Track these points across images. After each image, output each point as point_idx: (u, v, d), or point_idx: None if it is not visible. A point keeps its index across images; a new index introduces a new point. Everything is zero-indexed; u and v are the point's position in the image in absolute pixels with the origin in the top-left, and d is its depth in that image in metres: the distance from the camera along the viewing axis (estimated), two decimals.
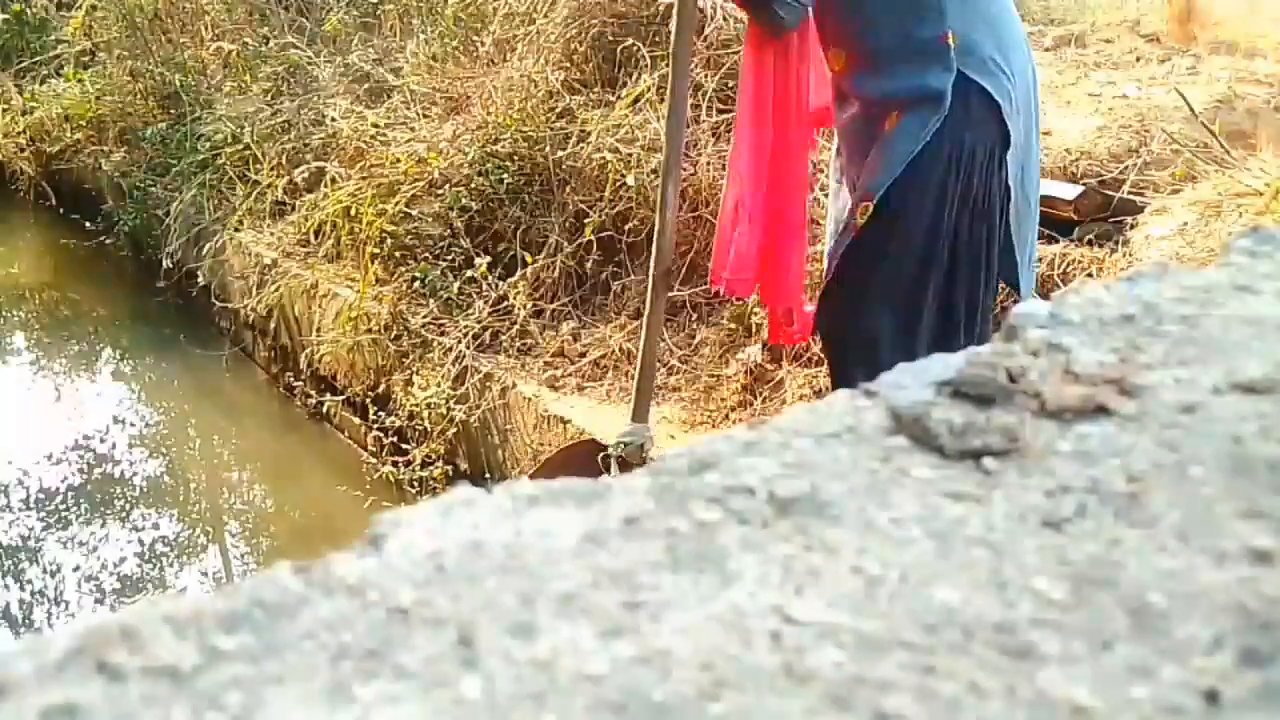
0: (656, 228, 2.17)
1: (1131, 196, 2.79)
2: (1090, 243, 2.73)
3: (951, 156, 1.86)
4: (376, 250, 3.58)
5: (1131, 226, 2.73)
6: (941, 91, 1.82)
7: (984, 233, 1.91)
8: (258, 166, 4.30)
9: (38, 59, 5.91)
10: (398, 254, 3.56)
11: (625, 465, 2.14)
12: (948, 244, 1.90)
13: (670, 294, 3.14)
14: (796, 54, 2.02)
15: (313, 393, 3.78)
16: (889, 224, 1.89)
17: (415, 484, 3.26)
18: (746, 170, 2.06)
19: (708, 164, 3.21)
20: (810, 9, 1.92)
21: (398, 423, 3.35)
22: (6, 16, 6.12)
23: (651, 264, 2.19)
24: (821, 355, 2.64)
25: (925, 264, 1.90)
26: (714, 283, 2.26)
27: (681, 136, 2.22)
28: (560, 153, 3.45)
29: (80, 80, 5.55)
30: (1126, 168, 2.86)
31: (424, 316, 3.41)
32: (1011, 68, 1.87)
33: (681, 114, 2.18)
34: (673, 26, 2.10)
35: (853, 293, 1.95)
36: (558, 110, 3.58)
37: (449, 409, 3.18)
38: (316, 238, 3.97)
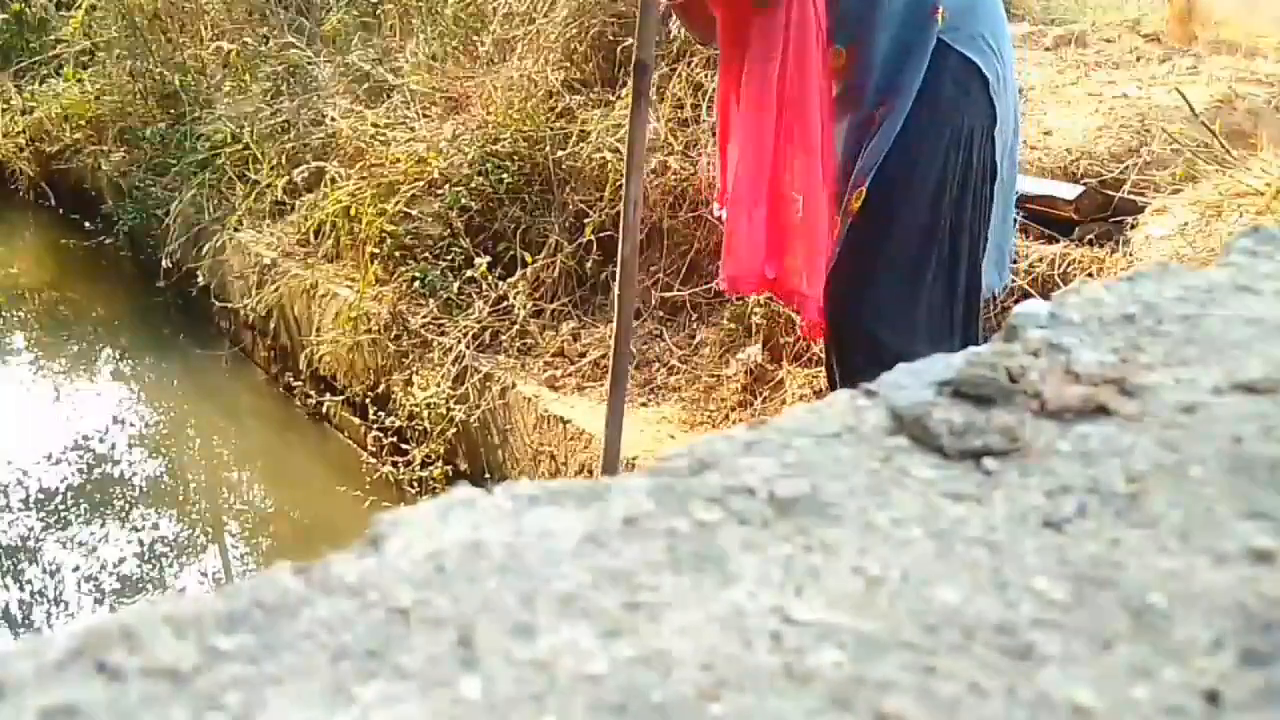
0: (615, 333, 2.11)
1: (1132, 196, 2.79)
2: (1090, 243, 2.73)
3: (951, 137, 1.87)
4: (376, 250, 3.58)
5: (1132, 226, 2.73)
6: (914, 82, 1.84)
7: (980, 210, 1.92)
8: (257, 166, 4.30)
9: (37, 59, 5.91)
10: (397, 254, 3.56)
11: None
12: (949, 222, 1.90)
13: (669, 294, 3.14)
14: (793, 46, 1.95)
15: (312, 393, 3.78)
16: (889, 206, 1.89)
17: (415, 484, 3.26)
18: (745, 168, 2.03)
19: (709, 164, 3.21)
20: None
21: (397, 423, 3.35)
22: (6, 16, 6.12)
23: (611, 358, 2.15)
24: (822, 355, 2.64)
25: (927, 242, 1.90)
26: (723, 285, 2.23)
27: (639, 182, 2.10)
28: (560, 152, 3.46)
29: (80, 80, 5.55)
30: (1127, 167, 2.86)
31: (424, 316, 3.41)
32: (999, 46, 1.88)
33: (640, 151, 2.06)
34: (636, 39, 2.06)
35: (855, 275, 1.95)
36: (558, 110, 3.58)
37: (449, 409, 3.18)
38: (316, 238, 3.97)
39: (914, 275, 1.91)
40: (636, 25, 2.04)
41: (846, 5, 1.91)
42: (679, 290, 3.12)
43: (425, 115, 4.00)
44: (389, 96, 4.23)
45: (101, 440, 3.94)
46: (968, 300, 1.95)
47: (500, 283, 3.35)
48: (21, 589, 3.13)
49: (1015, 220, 2.21)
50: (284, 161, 4.21)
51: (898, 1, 1.86)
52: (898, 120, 1.86)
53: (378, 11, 4.77)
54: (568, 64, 3.68)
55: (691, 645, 0.32)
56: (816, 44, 1.92)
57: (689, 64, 3.39)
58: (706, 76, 3.35)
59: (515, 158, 3.55)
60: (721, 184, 2.14)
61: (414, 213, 3.60)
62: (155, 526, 3.46)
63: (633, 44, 3.57)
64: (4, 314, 5.12)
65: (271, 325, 4.11)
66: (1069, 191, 2.80)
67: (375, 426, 3.44)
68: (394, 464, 3.30)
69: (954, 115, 1.86)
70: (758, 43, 1.94)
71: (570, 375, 3.10)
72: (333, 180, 3.91)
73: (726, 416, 2.80)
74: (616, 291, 2.15)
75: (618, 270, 2.11)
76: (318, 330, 3.75)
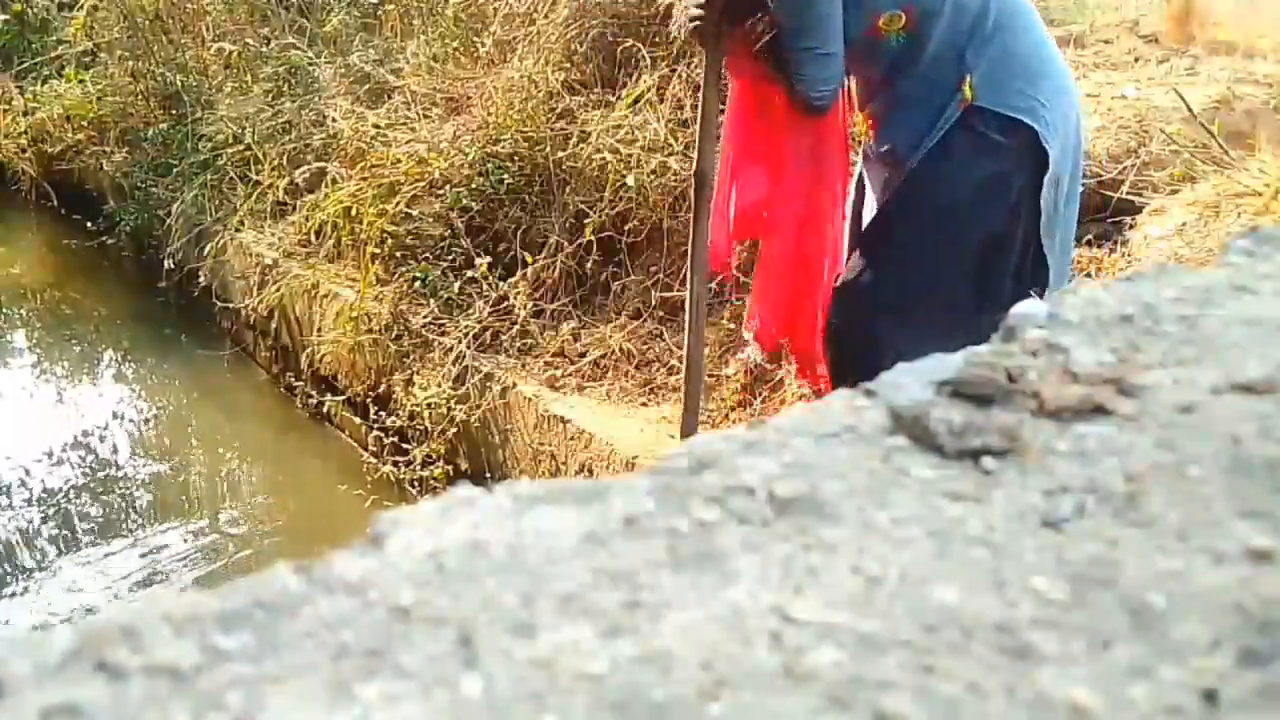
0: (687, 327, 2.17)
1: (1130, 197, 2.79)
2: (1089, 243, 2.73)
3: (987, 185, 1.87)
4: (377, 250, 3.59)
5: (1130, 227, 2.73)
6: (930, 143, 1.87)
7: (1023, 256, 1.92)
8: (259, 167, 4.30)
9: (39, 59, 5.91)
10: (398, 254, 3.56)
11: None
12: (967, 270, 1.90)
13: (669, 294, 3.14)
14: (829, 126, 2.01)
15: (313, 393, 3.78)
16: (903, 257, 1.91)
17: (416, 484, 3.26)
18: (779, 225, 2.08)
19: (708, 165, 3.21)
20: (844, 85, 1.95)
21: (398, 422, 3.35)
22: (7, 17, 6.13)
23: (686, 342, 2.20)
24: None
25: (935, 287, 1.90)
26: (748, 328, 2.31)
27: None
28: (560, 153, 3.46)
29: (81, 81, 5.55)
30: (1125, 168, 2.86)
31: (424, 316, 3.41)
32: (1043, 94, 1.87)
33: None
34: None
35: (863, 315, 1.96)
36: (558, 111, 3.58)
37: (449, 409, 3.18)
38: (317, 238, 3.97)
39: (917, 320, 1.91)
40: (697, 136, 2.11)
41: (877, 75, 1.94)
42: (678, 290, 3.12)
43: (426, 116, 4.00)
44: (389, 97, 4.23)
45: (103, 440, 3.94)
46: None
47: (500, 283, 3.36)
48: (22, 587, 3.13)
49: None
50: (285, 162, 4.21)
51: (924, 75, 1.87)
52: (913, 177, 1.89)
53: (378, 12, 4.77)
54: (568, 65, 3.68)
55: (691, 644, 0.32)
56: (844, 123, 2.02)
57: (689, 65, 3.39)
58: None
59: (516, 158, 3.55)
60: (721, 248, 2.17)
61: (414, 213, 3.60)
62: (156, 525, 3.46)
63: (632, 45, 3.57)
64: (6, 314, 5.12)
65: (273, 325, 4.11)
66: None
67: (376, 426, 3.44)
68: (395, 464, 3.31)
69: (989, 164, 1.86)
70: (804, 136, 2.01)
71: (570, 375, 3.10)
72: (334, 181, 3.91)
73: (726, 416, 2.80)
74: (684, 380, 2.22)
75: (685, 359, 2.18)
76: (319, 330, 3.75)
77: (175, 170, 4.72)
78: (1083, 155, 2.03)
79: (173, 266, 4.46)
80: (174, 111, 5.01)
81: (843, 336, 2.02)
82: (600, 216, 3.28)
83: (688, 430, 2.22)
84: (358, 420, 3.65)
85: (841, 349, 2.04)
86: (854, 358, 1.95)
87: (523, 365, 3.19)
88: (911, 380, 0.43)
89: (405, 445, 3.33)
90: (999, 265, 1.91)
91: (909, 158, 1.90)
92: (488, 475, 3.15)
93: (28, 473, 3.67)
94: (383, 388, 3.47)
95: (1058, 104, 1.89)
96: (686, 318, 2.15)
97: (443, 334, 3.34)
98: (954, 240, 1.89)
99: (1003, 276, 1.91)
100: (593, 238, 3.27)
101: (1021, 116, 1.84)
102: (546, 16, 3.78)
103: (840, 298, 2.00)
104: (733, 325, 2.99)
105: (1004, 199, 1.88)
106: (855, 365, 1.93)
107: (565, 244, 3.36)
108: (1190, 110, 2.91)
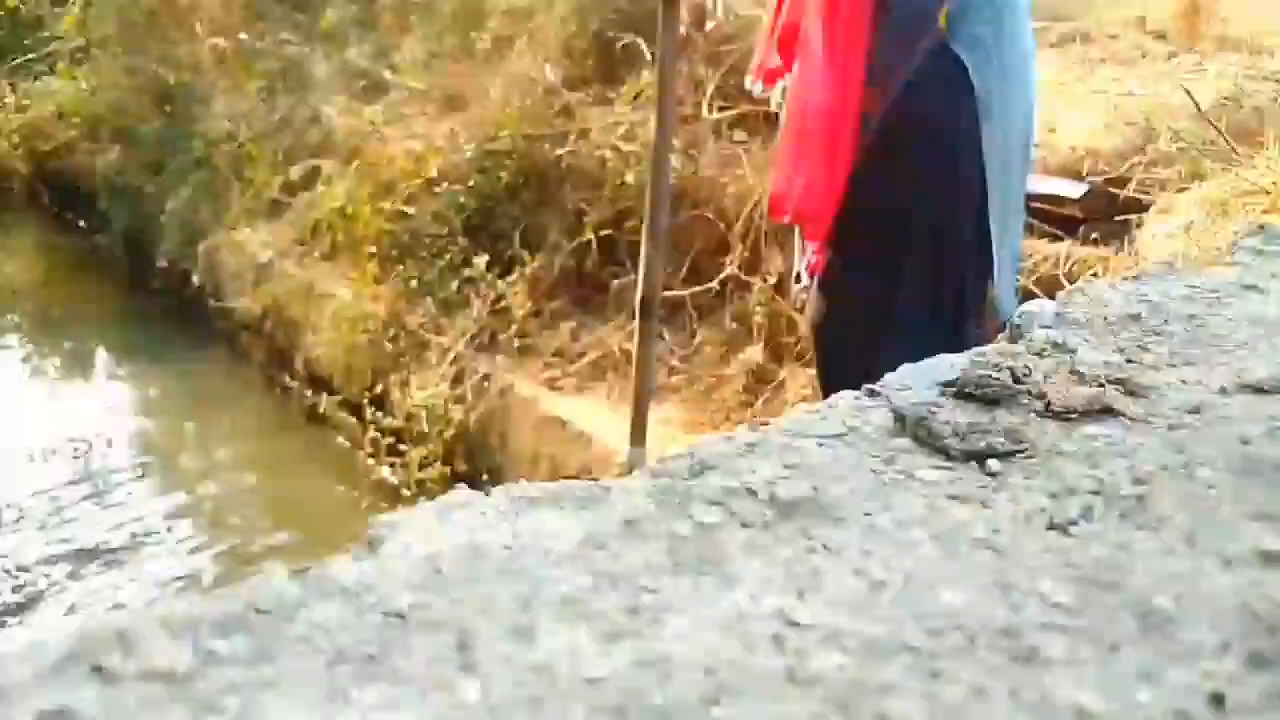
0: (643, 257, 2.13)
1: (1137, 195, 2.78)
2: (1096, 241, 2.73)
3: (933, 139, 1.82)
4: (373, 249, 3.58)
5: (1137, 225, 2.72)
6: (902, 75, 1.80)
7: (963, 219, 1.86)
8: (253, 164, 4.30)
9: (31, 56, 5.90)
10: (395, 253, 3.56)
11: None
12: (928, 229, 1.85)
13: (670, 293, 3.14)
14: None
15: (309, 393, 3.78)
16: (862, 207, 1.86)
17: (413, 486, 3.26)
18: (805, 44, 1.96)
19: (708, 162, 3.21)
20: None
21: (395, 424, 3.35)
22: (0, 13, 6.13)
23: (637, 296, 2.18)
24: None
25: (902, 249, 1.86)
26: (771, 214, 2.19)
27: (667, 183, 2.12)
28: (559, 150, 3.45)
29: (74, 78, 5.54)
30: (1132, 166, 2.85)
31: (421, 316, 3.41)
32: (1002, 52, 1.81)
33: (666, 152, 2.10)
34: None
35: (828, 285, 1.92)
36: (556, 108, 3.58)
37: (446, 410, 3.18)
38: (313, 236, 3.96)
39: (889, 291, 1.86)
40: None
41: None
42: (680, 290, 3.12)
43: (423, 113, 4.00)
44: (386, 94, 4.23)
45: (95, 440, 3.93)
46: (957, 317, 1.90)
47: (499, 282, 3.35)
48: (16, 592, 3.13)
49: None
50: (280, 160, 4.21)
51: None
52: (882, 112, 1.82)
53: (375, 7, 4.77)
54: (567, 61, 3.68)
55: (692, 649, 0.31)
56: None
57: (689, 61, 3.39)
58: (708, 74, 3.35)
59: (514, 156, 3.55)
60: (764, 56, 2.07)
61: (411, 211, 3.60)
62: (150, 529, 3.45)
63: (632, 41, 3.57)
64: None
65: (267, 325, 4.10)
66: (1074, 190, 2.80)
67: (372, 427, 3.44)
68: (391, 465, 3.30)
69: (943, 122, 1.81)
70: None
71: (569, 376, 3.10)
72: (329, 179, 3.91)
73: (727, 417, 2.80)
74: (645, 225, 2.17)
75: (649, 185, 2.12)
76: (314, 330, 3.75)
77: (169, 168, 4.72)
78: (1030, 120, 1.92)
79: (166, 265, 4.45)
80: (168, 108, 5.01)
81: (829, 338, 1.99)
82: (600, 215, 3.28)
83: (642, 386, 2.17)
84: (354, 421, 3.65)
85: (829, 349, 2.01)
86: (843, 358, 1.93)
87: (521, 365, 3.19)
88: (915, 381, 0.42)
89: (402, 447, 3.33)
90: (954, 242, 1.87)
91: (880, 87, 1.81)
92: (485, 477, 3.15)
93: (19, 474, 3.67)
94: (379, 388, 3.46)
95: (1010, 67, 1.81)
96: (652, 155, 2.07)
97: (440, 334, 3.34)
98: (920, 224, 1.85)
99: (958, 254, 1.87)
100: (592, 236, 3.27)
101: (970, 69, 1.76)
102: (545, 12, 3.78)
103: (821, 299, 1.96)
104: (733, 325, 2.99)
105: (953, 163, 1.83)
106: (845, 366, 1.90)
107: (564, 242, 3.36)
108: (1198, 107, 2.90)
